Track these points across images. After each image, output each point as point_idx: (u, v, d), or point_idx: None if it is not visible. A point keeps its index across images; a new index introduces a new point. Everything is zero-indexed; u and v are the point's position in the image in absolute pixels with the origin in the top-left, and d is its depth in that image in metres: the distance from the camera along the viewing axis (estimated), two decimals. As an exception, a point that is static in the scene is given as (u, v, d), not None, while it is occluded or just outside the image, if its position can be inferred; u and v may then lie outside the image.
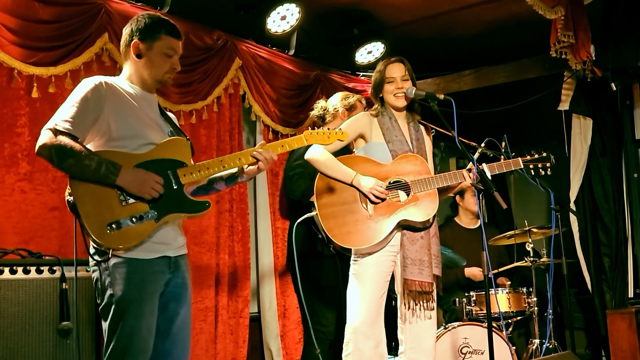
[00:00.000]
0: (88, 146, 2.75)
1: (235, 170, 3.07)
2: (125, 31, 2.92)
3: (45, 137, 2.67)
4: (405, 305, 3.59)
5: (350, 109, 4.57)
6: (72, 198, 2.66)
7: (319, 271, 4.44)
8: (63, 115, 2.70)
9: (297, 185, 4.47)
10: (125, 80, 2.91)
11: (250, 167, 3.03)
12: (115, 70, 4.29)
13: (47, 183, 4.05)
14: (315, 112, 4.68)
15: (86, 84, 2.78)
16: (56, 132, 2.66)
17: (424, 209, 3.58)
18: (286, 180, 4.61)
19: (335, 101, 4.64)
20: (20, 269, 3.44)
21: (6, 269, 3.40)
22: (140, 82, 2.90)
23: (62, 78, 4.09)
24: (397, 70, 3.74)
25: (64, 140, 2.65)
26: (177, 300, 2.87)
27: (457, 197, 5.96)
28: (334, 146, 3.69)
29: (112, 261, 2.69)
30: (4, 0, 3.84)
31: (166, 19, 2.96)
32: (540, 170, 3.80)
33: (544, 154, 3.81)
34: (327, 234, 3.53)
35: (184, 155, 2.89)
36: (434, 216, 3.66)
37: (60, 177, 4.04)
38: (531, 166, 3.79)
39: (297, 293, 4.70)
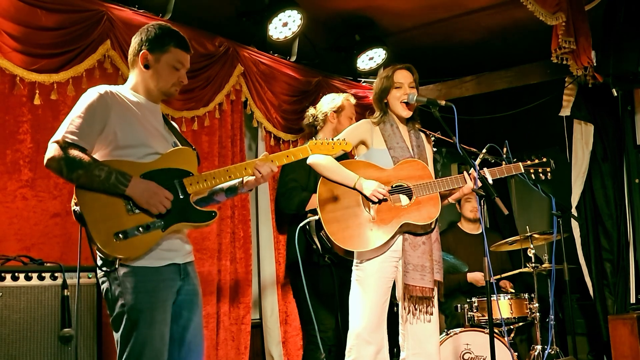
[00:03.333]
0: (94, 156, 2.74)
1: (236, 181, 3.08)
2: (135, 40, 2.91)
3: (53, 149, 2.66)
4: (406, 310, 3.59)
5: (339, 111, 4.59)
6: (78, 208, 2.66)
7: (316, 279, 4.44)
8: (70, 127, 2.69)
9: (292, 199, 4.49)
10: (129, 90, 2.91)
11: (249, 179, 3.04)
12: (118, 77, 4.30)
13: (49, 190, 4.05)
14: (305, 121, 4.70)
15: (91, 94, 2.77)
16: (64, 143, 2.66)
17: (426, 213, 3.59)
18: (280, 196, 4.60)
19: (324, 105, 4.67)
20: (22, 276, 3.44)
21: (8, 276, 3.40)
22: (146, 92, 2.91)
23: (64, 85, 4.10)
24: (405, 77, 3.75)
25: (72, 152, 2.65)
26: (189, 307, 2.87)
27: (456, 204, 5.97)
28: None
29: (122, 271, 2.68)
30: (6, 7, 3.85)
31: (176, 30, 2.95)
32: (541, 174, 3.82)
33: (544, 159, 3.83)
34: (331, 238, 3.53)
35: (190, 165, 2.89)
36: (436, 221, 3.67)
37: (62, 184, 4.05)
38: (532, 170, 3.81)
39: (296, 299, 4.69)
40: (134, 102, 2.86)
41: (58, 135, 2.69)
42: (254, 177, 3.01)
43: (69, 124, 2.71)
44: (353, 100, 4.74)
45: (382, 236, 3.53)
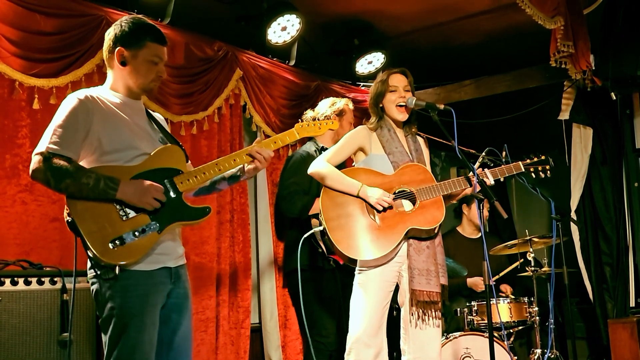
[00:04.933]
0: (81, 163, 2.71)
1: (237, 169, 3.04)
2: (108, 37, 2.83)
3: (36, 161, 2.62)
4: (412, 315, 3.58)
5: (340, 114, 4.56)
6: (71, 218, 2.63)
7: (320, 283, 4.42)
8: (52, 137, 2.65)
9: (294, 203, 4.44)
10: (109, 90, 2.85)
11: (249, 167, 3.01)
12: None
13: (48, 194, 4.04)
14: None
15: (71, 101, 2.72)
16: (48, 154, 2.61)
17: (431, 217, 3.58)
18: (281, 199, 4.54)
19: (324, 109, 4.60)
20: (21, 280, 3.43)
21: (7, 280, 3.40)
22: (126, 89, 2.85)
23: (63, 89, 4.10)
24: (400, 80, 3.75)
25: (58, 162, 2.61)
26: (179, 311, 2.84)
27: (464, 206, 5.95)
28: (335, 160, 3.69)
29: (112, 273, 2.65)
30: (5, 11, 3.86)
31: (151, 23, 2.88)
32: (540, 173, 3.83)
33: (543, 157, 3.85)
34: (337, 247, 3.51)
35: (178, 163, 2.86)
36: (440, 225, 3.66)
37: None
38: (532, 169, 3.83)
39: (296, 306, 4.65)
40: (116, 103, 2.82)
41: (41, 146, 2.64)
42: (252, 165, 2.99)
43: (52, 134, 2.66)
44: (352, 106, 4.73)
45: (389, 243, 3.52)
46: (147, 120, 2.95)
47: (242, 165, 3.02)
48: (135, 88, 2.84)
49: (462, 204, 5.94)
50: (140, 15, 2.93)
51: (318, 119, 3.24)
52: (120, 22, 2.84)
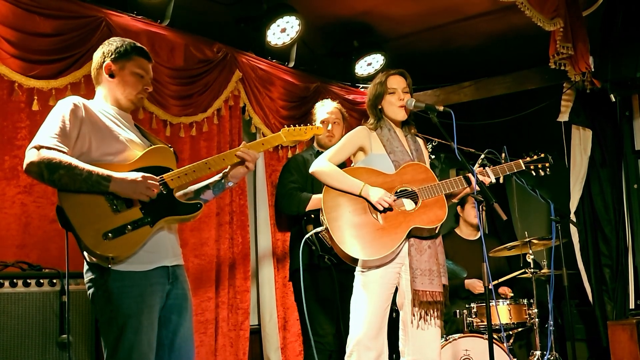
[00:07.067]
0: None
1: (219, 177, 3.09)
2: (97, 55, 2.98)
3: (31, 155, 2.64)
4: (414, 316, 3.58)
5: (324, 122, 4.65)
6: (61, 208, 2.65)
7: (316, 283, 4.43)
8: (47, 132, 2.70)
9: (293, 200, 4.48)
10: (100, 99, 2.96)
11: (236, 170, 3.05)
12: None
13: (48, 195, 4.05)
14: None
15: (64, 104, 2.80)
16: (41, 147, 2.64)
17: (434, 215, 3.57)
18: (280, 197, 4.58)
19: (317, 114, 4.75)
20: (20, 282, 3.43)
21: (6, 282, 3.39)
22: (115, 102, 2.95)
23: (62, 91, 4.10)
24: (398, 82, 3.76)
25: (51, 153, 2.63)
26: (179, 312, 2.85)
27: (458, 208, 5.96)
28: (336, 160, 3.69)
29: (108, 276, 2.67)
30: (4, 13, 3.86)
31: (136, 42, 3.03)
32: (540, 170, 3.86)
33: (542, 155, 3.87)
34: (340, 247, 3.51)
35: (168, 162, 2.91)
36: (441, 225, 3.66)
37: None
38: (532, 167, 3.86)
39: (298, 305, 4.68)
40: (106, 111, 2.90)
41: (35, 141, 2.68)
42: (240, 166, 3.03)
43: (46, 130, 2.71)
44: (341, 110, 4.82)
45: (392, 242, 3.50)
46: (137, 130, 3.03)
47: (226, 171, 3.07)
48: (124, 100, 2.95)
49: (457, 205, 5.95)
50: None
51: (302, 125, 3.31)
52: (108, 41, 3.01)
